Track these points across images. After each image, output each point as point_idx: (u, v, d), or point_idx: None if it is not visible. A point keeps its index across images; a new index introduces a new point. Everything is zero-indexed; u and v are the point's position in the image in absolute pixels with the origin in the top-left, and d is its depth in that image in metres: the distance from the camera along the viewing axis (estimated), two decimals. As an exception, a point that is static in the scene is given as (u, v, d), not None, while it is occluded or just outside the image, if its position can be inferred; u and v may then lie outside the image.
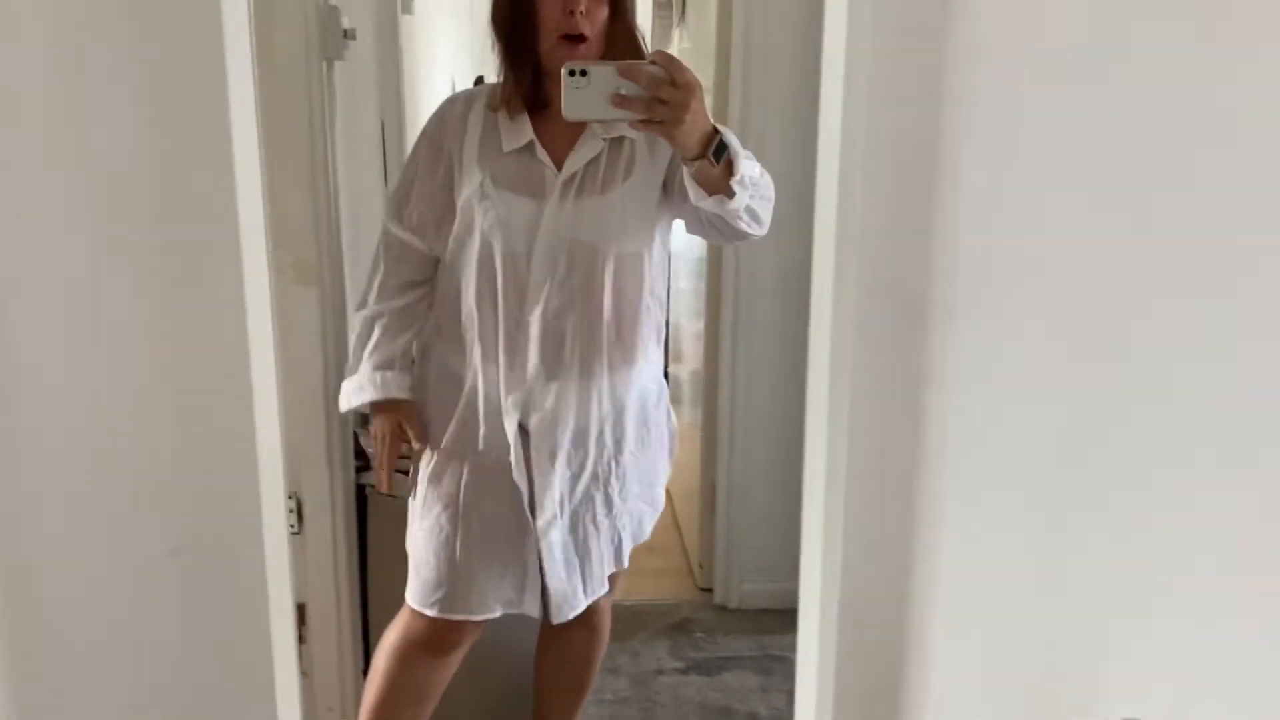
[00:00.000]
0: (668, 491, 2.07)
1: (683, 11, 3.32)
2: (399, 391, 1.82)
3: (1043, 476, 1.22)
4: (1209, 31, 1.10)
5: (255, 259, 0.94)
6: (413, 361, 1.88)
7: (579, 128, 1.78)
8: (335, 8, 1.97)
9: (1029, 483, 1.23)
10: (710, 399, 3.01)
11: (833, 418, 1.10)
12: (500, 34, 1.78)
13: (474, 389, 1.79)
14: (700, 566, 3.11)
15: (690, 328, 3.63)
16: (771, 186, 1.70)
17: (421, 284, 1.87)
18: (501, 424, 1.77)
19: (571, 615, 1.83)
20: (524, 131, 1.77)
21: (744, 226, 1.67)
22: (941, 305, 1.11)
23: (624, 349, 1.84)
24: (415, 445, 1.83)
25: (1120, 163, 1.13)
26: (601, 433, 1.82)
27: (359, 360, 1.84)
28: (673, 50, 3.59)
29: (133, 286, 0.99)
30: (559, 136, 1.78)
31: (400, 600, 1.84)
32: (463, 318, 1.80)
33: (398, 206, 1.85)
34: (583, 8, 1.69)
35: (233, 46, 0.92)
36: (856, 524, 1.16)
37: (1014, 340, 1.16)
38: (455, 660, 1.84)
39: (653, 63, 1.48)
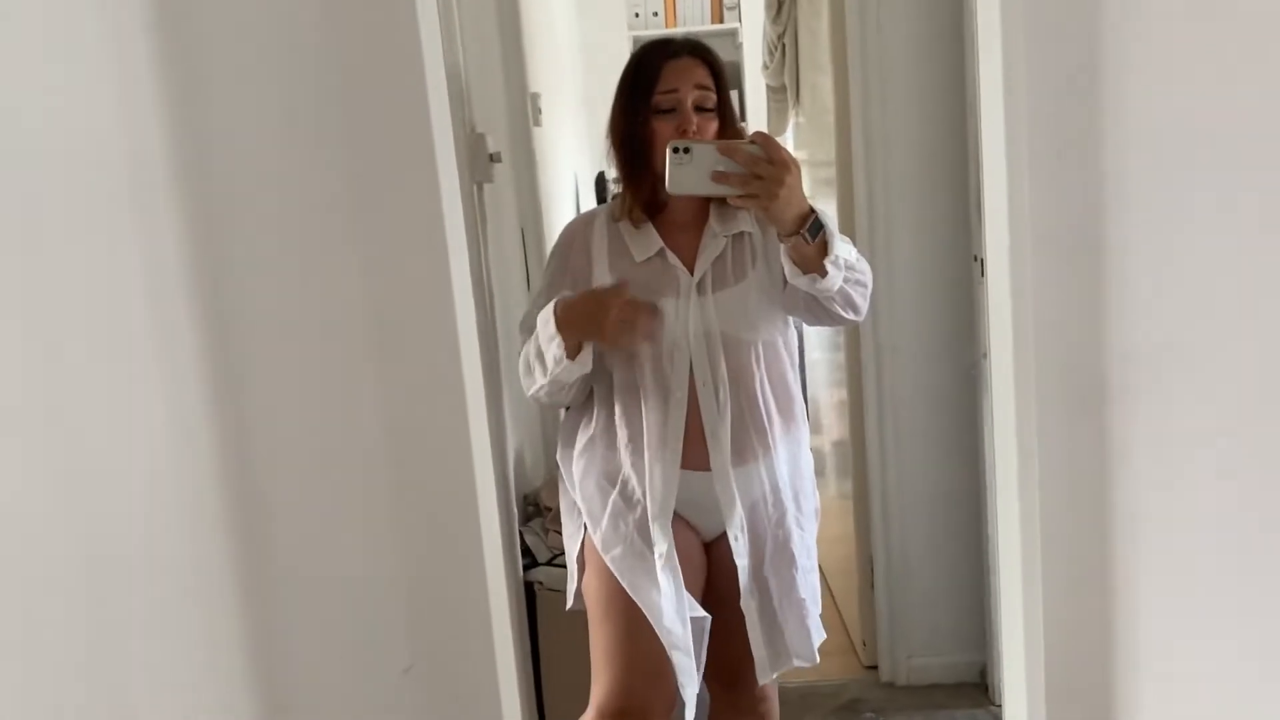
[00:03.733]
0: (823, 568, 2.09)
1: (797, 94, 3.40)
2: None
3: (1239, 551, 1.19)
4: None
5: (475, 392, 1.02)
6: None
7: (698, 230, 1.86)
8: (482, 135, 2.10)
9: (1226, 558, 1.19)
10: (859, 471, 2.98)
11: (1023, 499, 1.10)
12: (618, 149, 1.89)
13: (630, 487, 1.85)
14: (864, 644, 3.06)
15: (828, 399, 3.62)
16: (869, 273, 1.77)
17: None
18: (678, 520, 1.82)
19: (775, 675, 1.86)
20: (653, 240, 1.85)
21: (838, 309, 1.74)
22: (1121, 387, 1.11)
23: (782, 429, 1.88)
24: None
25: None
26: (771, 513, 1.85)
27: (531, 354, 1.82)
28: (789, 129, 3.66)
29: (362, 417, 1.08)
30: (682, 240, 1.87)
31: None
32: (616, 419, 1.86)
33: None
34: (694, 127, 1.78)
35: (449, 209, 1.02)
36: (1054, 609, 1.15)
37: (1197, 418, 1.15)
38: (638, 758, 1.85)
39: (751, 141, 1.57)
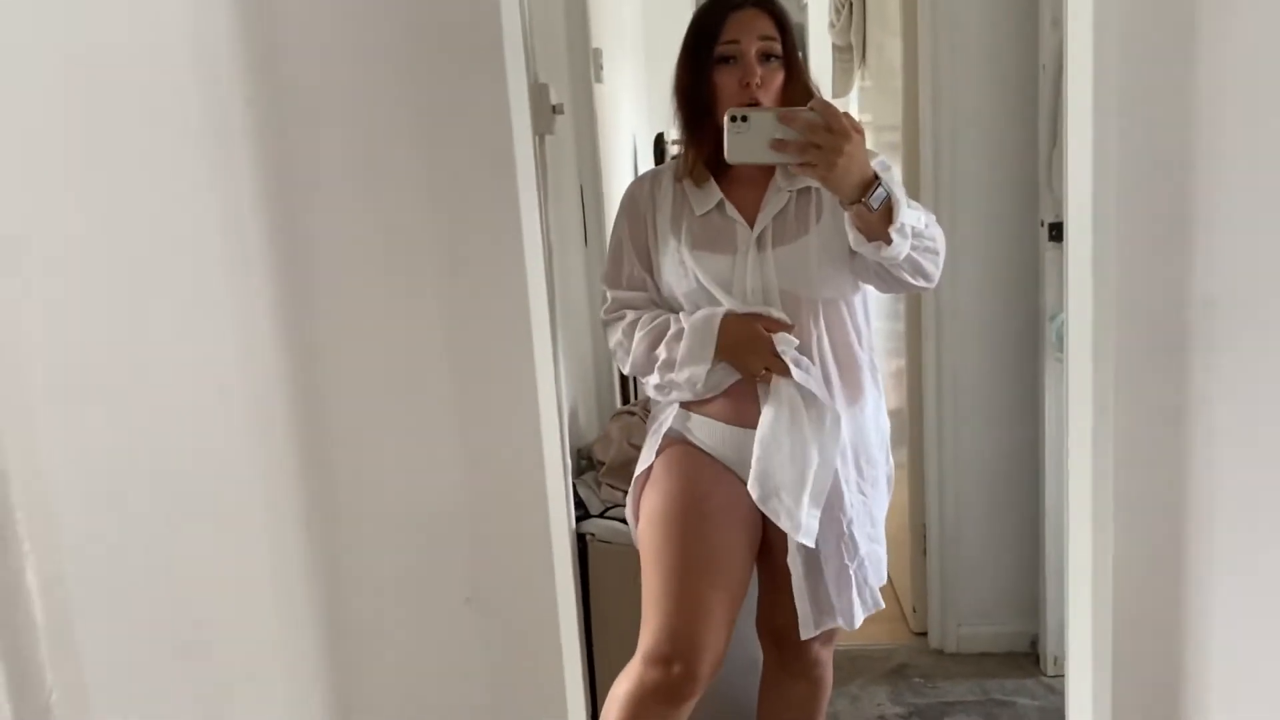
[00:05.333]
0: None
1: (863, 54, 3.34)
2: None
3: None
4: None
5: (542, 334, 1.03)
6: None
7: (763, 185, 1.84)
8: (545, 85, 2.09)
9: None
10: (915, 440, 2.96)
11: (1097, 455, 1.08)
12: (681, 105, 1.87)
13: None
14: (914, 610, 3.04)
15: (884, 367, 3.58)
16: (941, 239, 1.72)
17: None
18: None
19: (818, 631, 1.86)
20: (712, 193, 1.84)
21: (906, 277, 1.70)
22: (1202, 337, 1.08)
23: (843, 393, 1.85)
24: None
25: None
26: (830, 477, 1.83)
27: (655, 355, 1.85)
28: (853, 91, 3.60)
29: (429, 350, 1.09)
30: (746, 195, 1.84)
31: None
32: None
33: (614, 274, 1.95)
34: (758, 79, 1.75)
35: (520, 146, 1.02)
36: (1125, 561, 1.13)
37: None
38: (688, 711, 1.86)
39: (811, 109, 1.53)
